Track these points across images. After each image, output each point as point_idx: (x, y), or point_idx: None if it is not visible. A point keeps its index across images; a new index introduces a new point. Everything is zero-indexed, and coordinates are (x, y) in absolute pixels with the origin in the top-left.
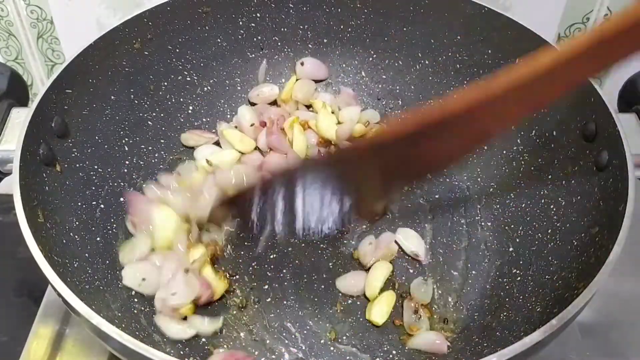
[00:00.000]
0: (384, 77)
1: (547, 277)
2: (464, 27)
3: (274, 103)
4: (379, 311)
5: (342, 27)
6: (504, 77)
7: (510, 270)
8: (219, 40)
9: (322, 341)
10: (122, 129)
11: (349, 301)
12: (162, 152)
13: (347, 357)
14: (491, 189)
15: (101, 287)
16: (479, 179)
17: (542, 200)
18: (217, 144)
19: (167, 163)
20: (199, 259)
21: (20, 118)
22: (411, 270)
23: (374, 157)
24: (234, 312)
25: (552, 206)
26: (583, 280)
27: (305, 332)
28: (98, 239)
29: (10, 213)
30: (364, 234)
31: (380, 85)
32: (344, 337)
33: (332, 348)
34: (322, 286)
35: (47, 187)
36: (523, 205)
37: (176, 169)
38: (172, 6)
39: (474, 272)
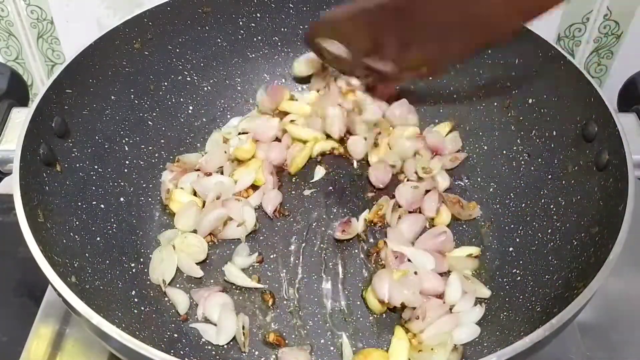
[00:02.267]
0: None
1: (547, 277)
2: None
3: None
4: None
5: None
6: None
7: (510, 270)
8: (219, 40)
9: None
10: (122, 129)
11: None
12: (162, 152)
13: None
14: (491, 189)
15: (101, 287)
16: (479, 179)
17: (542, 200)
18: None
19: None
20: None
21: (20, 118)
22: None
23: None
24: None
25: (552, 206)
26: (583, 280)
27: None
28: (98, 239)
29: (10, 213)
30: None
31: None
32: None
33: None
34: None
35: (47, 187)
36: (523, 205)
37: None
38: (172, 6)
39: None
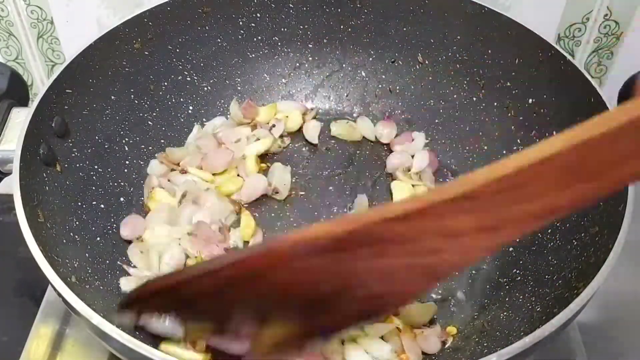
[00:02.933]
0: (384, 77)
1: (547, 277)
2: (464, 27)
3: None
4: None
5: (342, 27)
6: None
7: (510, 270)
8: (219, 40)
9: None
10: (122, 129)
11: None
12: (163, 153)
13: None
14: None
15: (101, 287)
16: None
17: None
18: None
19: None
20: None
21: (20, 118)
22: None
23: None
24: None
25: None
26: (583, 280)
27: None
28: (98, 239)
29: (10, 213)
30: None
31: (380, 85)
32: None
33: None
34: None
35: (47, 187)
36: None
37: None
38: (172, 6)
39: (473, 271)
